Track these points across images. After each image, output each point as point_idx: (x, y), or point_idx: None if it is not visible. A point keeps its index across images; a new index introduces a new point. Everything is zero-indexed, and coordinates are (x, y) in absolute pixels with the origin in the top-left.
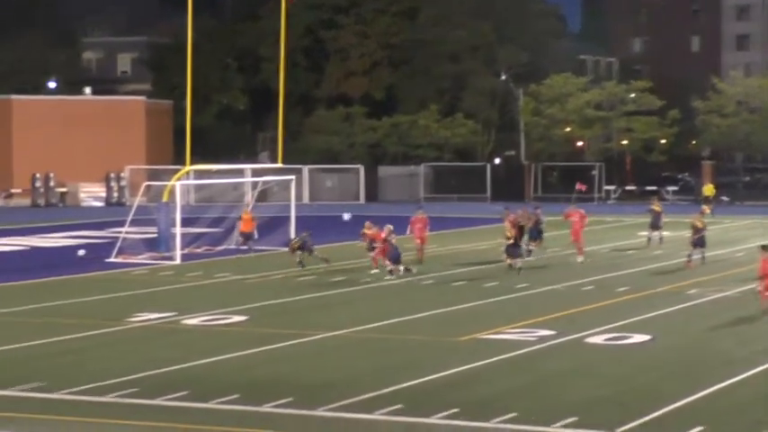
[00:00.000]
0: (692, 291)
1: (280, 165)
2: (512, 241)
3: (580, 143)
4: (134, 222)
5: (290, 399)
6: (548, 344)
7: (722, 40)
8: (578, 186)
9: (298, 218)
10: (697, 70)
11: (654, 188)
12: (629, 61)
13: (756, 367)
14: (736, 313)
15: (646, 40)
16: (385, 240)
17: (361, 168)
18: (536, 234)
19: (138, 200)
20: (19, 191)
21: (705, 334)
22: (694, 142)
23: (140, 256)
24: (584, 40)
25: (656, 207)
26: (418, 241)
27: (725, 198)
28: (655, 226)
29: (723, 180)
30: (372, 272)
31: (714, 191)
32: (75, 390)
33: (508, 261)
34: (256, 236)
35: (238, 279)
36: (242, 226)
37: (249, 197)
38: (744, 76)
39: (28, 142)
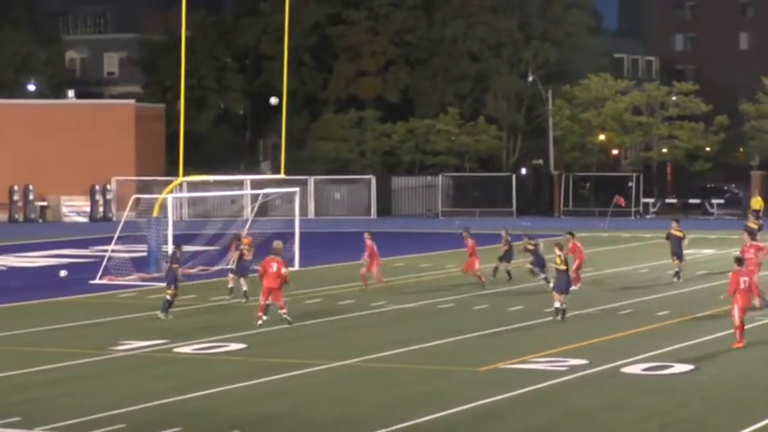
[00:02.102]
0: None
1: (283, 175)
2: (563, 269)
3: (615, 151)
4: (121, 240)
5: None
6: (579, 374)
7: None
8: (616, 200)
9: (302, 234)
10: (746, 70)
11: (697, 201)
12: (671, 60)
13: None
14: None
15: (689, 36)
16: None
17: (373, 179)
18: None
19: (126, 215)
20: None
21: (755, 363)
22: (742, 150)
23: (128, 278)
24: (621, 37)
25: (753, 224)
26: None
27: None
28: None
29: None
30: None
31: (762, 204)
32: (56, 426)
33: (556, 301)
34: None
35: (236, 303)
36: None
37: (249, 211)
38: None
39: (4, 151)
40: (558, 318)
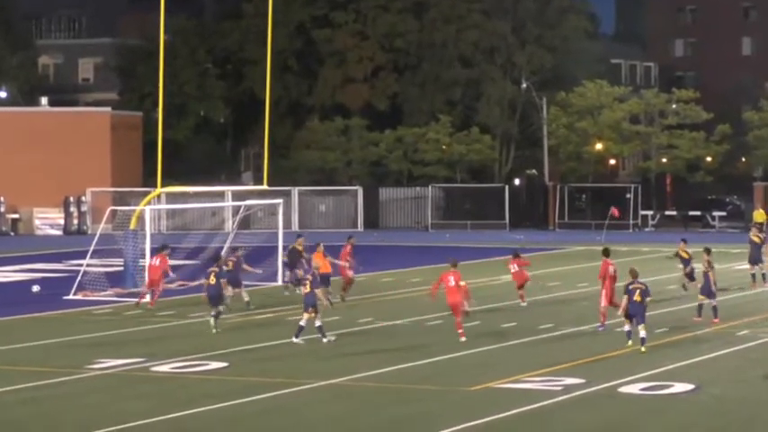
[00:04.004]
0: (743, 332)
1: (265, 186)
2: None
3: (612, 161)
4: (97, 254)
5: None
6: (575, 394)
7: None
8: (612, 211)
9: (286, 248)
10: (748, 76)
11: (698, 213)
12: (671, 66)
13: None
14: None
15: (689, 41)
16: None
17: (360, 190)
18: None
19: (102, 228)
20: None
21: (758, 382)
22: (744, 160)
23: (104, 293)
24: (619, 42)
25: (756, 237)
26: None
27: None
28: (755, 260)
29: None
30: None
31: (765, 216)
32: None
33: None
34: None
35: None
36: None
37: (230, 224)
38: None
39: None
40: (641, 348)
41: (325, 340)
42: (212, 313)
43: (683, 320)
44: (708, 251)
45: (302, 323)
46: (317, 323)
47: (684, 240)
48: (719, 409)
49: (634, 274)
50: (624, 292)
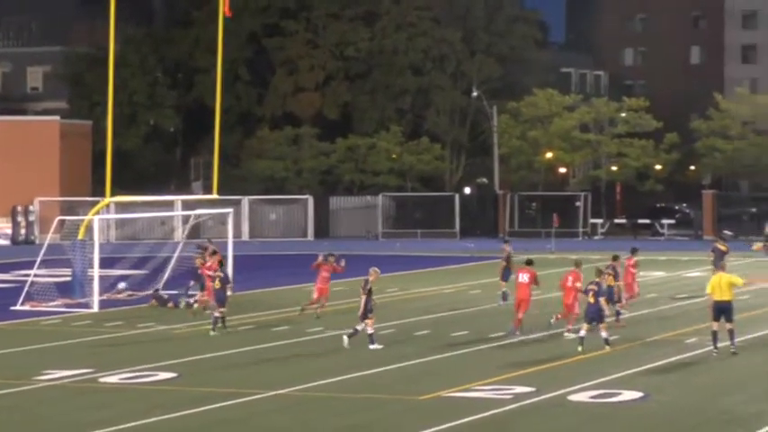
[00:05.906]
0: (692, 339)
1: (215, 195)
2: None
3: (563, 170)
4: (44, 264)
5: None
6: (525, 402)
7: (726, 52)
8: (555, 220)
9: (236, 257)
10: (697, 85)
11: (647, 221)
12: (620, 75)
13: (766, 427)
14: (744, 365)
15: (639, 50)
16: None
17: (311, 199)
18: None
19: (50, 237)
20: None
21: (706, 390)
22: (693, 168)
23: (51, 303)
24: (569, 51)
25: (722, 246)
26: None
27: (727, 232)
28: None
29: (726, 212)
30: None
31: None
32: None
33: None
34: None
35: (165, 329)
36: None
37: (180, 233)
38: (750, 92)
39: None
40: (606, 347)
41: (371, 347)
42: (215, 315)
43: (633, 327)
44: (615, 258)
45: (358, 327)
46: (369, 330)
47: (507, 241)
48: (667, 417)
49: (597, 273)
50: (583, 291)
